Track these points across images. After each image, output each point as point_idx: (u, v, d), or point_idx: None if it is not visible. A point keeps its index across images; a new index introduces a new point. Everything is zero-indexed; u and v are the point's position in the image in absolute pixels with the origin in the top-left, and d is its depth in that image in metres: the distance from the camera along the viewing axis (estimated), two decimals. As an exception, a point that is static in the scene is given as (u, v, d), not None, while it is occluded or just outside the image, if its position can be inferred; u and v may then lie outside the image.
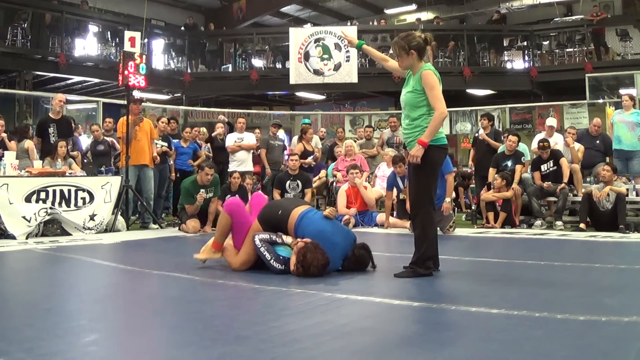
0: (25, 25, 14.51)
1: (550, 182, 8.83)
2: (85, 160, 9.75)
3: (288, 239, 4.57)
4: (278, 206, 4.86)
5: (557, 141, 9.70)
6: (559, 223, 8.56)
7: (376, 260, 4.76)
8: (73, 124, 10.44)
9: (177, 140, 10.47)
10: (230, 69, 18.22)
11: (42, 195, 7.64)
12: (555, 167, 8.93)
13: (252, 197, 5.44)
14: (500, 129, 12.97)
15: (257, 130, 12.02)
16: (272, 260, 4.44)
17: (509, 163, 9.17)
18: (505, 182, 8.76)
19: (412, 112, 4.49)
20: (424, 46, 4.51)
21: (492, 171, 9.20)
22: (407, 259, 4.90)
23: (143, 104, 9.55)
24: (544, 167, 8.99)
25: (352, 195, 9.12)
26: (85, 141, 11.21)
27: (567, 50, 16.45)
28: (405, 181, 8.75)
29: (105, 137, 9.99)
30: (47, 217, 7.54)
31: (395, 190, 8.87)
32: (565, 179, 8.81)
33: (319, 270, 4.32)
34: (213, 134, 10.96)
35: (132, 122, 8.81)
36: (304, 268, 4.30)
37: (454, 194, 8.89)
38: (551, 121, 10.17)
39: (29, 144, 9.12)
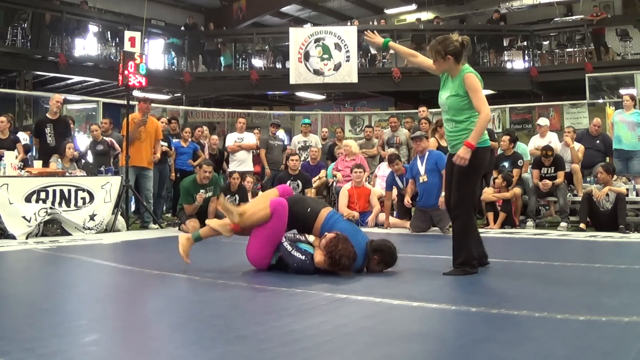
0: (25, 25, 14.52)
1: (546, 180, 8.79)
2: (84, 161, 9.75)
3: (311, 238, 4.58)
4: (306, 203, 4.78)
5: (551, 139, 9.70)
6: (563, 224, 8.53)
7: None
8: (73, 124, 10.45)
9: (177, 140, 10.49)
10: (223, 67, 18.20)
11: (42, 195, 7.64)
12: (555, 174, 8.89)
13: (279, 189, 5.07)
14: (500, 129, 12.99)
15: (257, 130, 12.03)
16: (292, 251, 4.41)
17: (506, 164, 9.15)
18: (505, 182, 8.75)
19: (457, 115, 4.56)
20: (461, 50, 4.53)
21: (494, 172, 9.20)
22: (407, 259, 4.91)
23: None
24: (544, 170, 8.97)
25: (355, 195, 9.11)
26: (83, 141, 11.22)
27: (567, 50, 16.45)
28: (404, 180, 8.77)
29: (104, 137, 9.98)
30: (47, 217, 7.54)
31: (395, 189, 8.87)
32: (560, 179, 8.78)
33: (350, 262, 4.31)
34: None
35: (137, 123, 8.80)
36: (334, 258, 4.26)
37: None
38: (542, 120, 10.16)
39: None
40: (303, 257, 4.40)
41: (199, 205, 8.22)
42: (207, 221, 4.93)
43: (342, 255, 4.26)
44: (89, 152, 9.97)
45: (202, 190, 8.21)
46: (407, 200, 8.56)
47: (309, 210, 4.63)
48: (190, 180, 8.42)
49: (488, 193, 8.90)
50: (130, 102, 9.12)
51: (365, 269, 4.58)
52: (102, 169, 8.81)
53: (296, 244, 4.50)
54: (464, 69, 4.53)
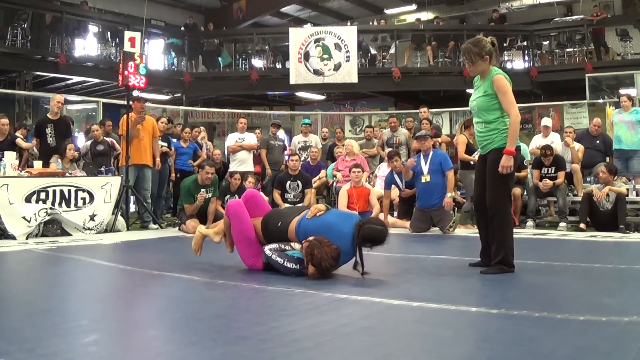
0: (25, 25, 14.50)
1: (547, 180, 8.78)
2: (85, 161, 9.76)
3: (297, 246, 4.54)
4: (278, 217, 4.73)
5: (553, 140, 9.70)
6: (562, 224, 8.53)
7: (376, 260, 4.74)
8: (72, 124, 10.45)
9: (177, 140, 10.49)
10: (222, 67, 18.22)
11: (42, 195, 7.65)
12: (555, 174, 8.89)
13: (244, 197, 5.10)
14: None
15: (258, 131, 12.04)
16: (285, 262, 4.41)
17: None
18: None
19: (486, 115, 4.62)
20: (493, 50, 4.65)
21: None
22: (408, 259, 4.90)
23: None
24: (544, 170, 8.96)
25: (354, 196, 9.11)
26: (82, 141, 11.22)
27: (567, 50, 16.42)
28: (402, 177, 8.77)
29: (104, 138, 9.98)
30: (47, 218, 7.55)
31: (396, 190, 8.86)
32: (561, 180, 8.77)
33: (331, 263, 4.26)
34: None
35: (134, 121, 8.83)
36: (316, 266, 4.23)
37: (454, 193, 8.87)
38: (546, 121, 10.16)
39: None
40: (298, 267, 4.39)
41: (199, 205, 8.24)
42: (198, 229, 4.98)
43: (320, 259, 4.21)
44: (88, 152, 9.96)
45: (202, 190, 8.24)
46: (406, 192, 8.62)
47: (279, 224, 4.61)
48: (192, 180, 8.45)
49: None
50: (130, 102, 9.12)
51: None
52: (102, 169, 8.81)
53: (285, 252, 4.49)
54: (493, 70, 4.63)
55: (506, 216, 4.62)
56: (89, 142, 10.11)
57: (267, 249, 4.50)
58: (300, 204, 9.27)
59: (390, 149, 10.19)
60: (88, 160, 9.77)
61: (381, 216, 8.85)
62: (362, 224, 4.39)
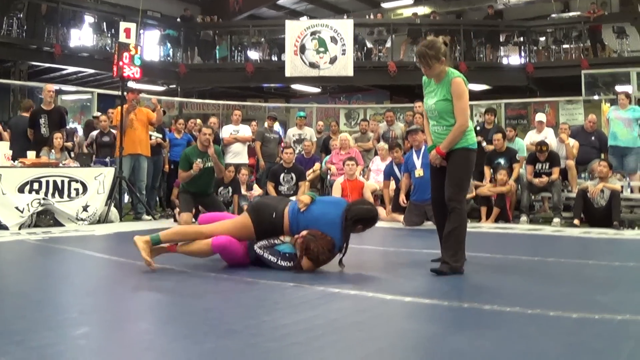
0: (21, 15, 14.40)
1: (542, 177, 8.79)
2: (90, 151, 9.75)
3: (287, 238, 4.52)
4: (270, 207, 4.64)
5: (547, 135, 9.70)
6: (556, 220, 8.53)
7: (370, 254, 4.73)
8: (66, 115, 10.41)
9: (171, 131, 10.47)
10: (217, 59, 18.16)
11: (35, 186, 7.61)
12: (550, 170, 8.89)
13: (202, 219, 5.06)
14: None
15: (254, 123, 12.00)
16: (278, 261, 4.40)
17: (502, 161, 9.12)
18: (508, 177, 8.72)
19: (449, 119, 4.52)
20: (447, 50, 4.50)
21: (486, 169, 9.17)
22: (401, 254, 4.89)
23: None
24: (538, 166, 8.97)
25: (348, 189, 9.10)
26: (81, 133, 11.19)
27: (564, 46, 16.43)
28: (402, 168, 8.76)
29: (111, 129, 9.88)
30: (40, 208, 7.52)
31: (392, 181, 8.87)
32: (555, 175, 8.78)
33: (328, 255, 4.29)
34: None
35: (126, 110, 8.80)
36: (313, 260, 4.25)
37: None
38: (540, 116, 10.18)
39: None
40: (291, 264, 4.37)
41: (193, 174, 7.63)
42: (135, 238, 4.51)
43: (318, 253, 4.23)
44: (93, 143, 9.92)
45: (199, 160, 7.63)
46: (402, 198, 8.53)
47: (274, 215, 4.55)
48: (192, 147, 8.19)
49: (484, 187, 8.89)
50: (125, 93, 9.09)
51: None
52: (107, 159, 8.77)
53: (276, 249, 4.46)
54: (449, 72, 4.49)
55: (463, 214, 4.51)
56: (94, 133, 10.04)
57: (257, 248, 4.47)
58: (293, 197, 9.26)
59: (381, 145, 10.18)
60: (92, 151, 9.74)
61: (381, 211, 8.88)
62: (349, 207, 4.42)
